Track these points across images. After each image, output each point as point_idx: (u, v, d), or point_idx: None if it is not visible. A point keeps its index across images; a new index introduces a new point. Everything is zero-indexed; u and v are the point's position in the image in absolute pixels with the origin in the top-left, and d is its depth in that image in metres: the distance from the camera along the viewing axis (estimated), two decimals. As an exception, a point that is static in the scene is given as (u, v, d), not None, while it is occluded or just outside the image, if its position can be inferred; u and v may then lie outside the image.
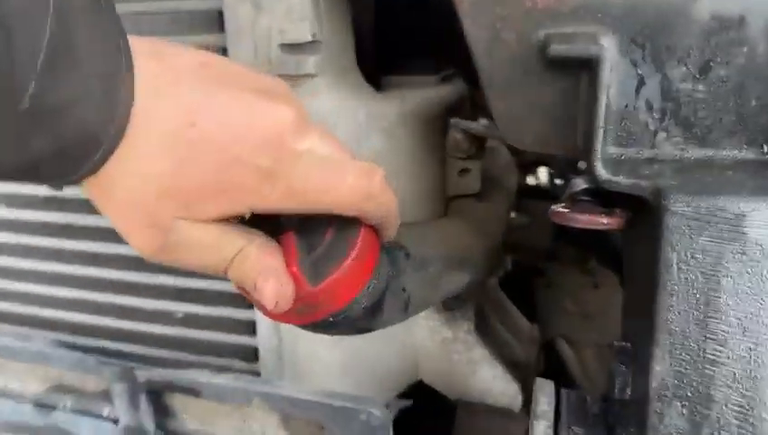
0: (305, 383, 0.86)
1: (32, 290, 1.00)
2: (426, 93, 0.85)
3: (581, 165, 0.67)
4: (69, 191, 0.92)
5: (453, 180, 0.90)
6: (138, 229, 0.40)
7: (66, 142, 0.34)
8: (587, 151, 0.58)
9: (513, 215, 1.71)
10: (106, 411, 0.87)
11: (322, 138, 0.46)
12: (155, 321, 0.94)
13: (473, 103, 1.11)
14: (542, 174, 1.58)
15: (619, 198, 0.58)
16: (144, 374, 0.80)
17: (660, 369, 0.52)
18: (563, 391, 0.66)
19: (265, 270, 0.44)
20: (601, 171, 0.56)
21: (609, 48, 0.54)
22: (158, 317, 0.93)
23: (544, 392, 0.64)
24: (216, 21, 0.77)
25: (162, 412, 0.84)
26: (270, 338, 0.86)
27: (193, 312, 0.91)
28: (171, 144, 0.38)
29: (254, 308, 0.87)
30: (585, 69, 0.56)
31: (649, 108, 0.56)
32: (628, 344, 0.62)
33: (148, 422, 0.83)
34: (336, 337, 0.85)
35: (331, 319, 0.50)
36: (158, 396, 0.83)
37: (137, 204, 0.39)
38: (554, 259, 1.41)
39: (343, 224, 0.47)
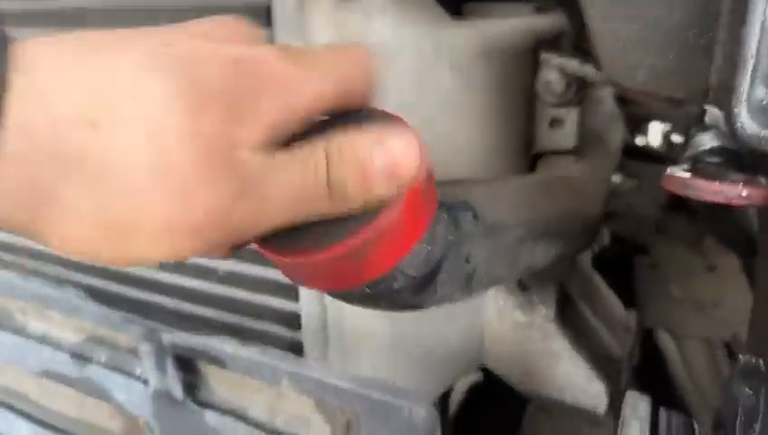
0: (350, 360, 0.75)
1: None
2: (513, 23, 0.69)
3: (711, 115, 0.49)
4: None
5: (542, 133, 0.74)
6: (197, 187, 0.30)
7: None
8: (724, 93, 0.40)
9: (616, 179, 1.50)
10: (138, 371, 0.80)
11: None
12: (196, 276, 0.86)
13: (575, 47, 0.93)
14: (655, 131, 1.35)
15: (764, 161, 0.41)
16: (169, 338, 0.72)
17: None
18: (663, 413, 0.50)
19: (373, 136, 0.33)
20: (745, 122, 0.39)
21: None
22: (199, 272, 0.85)
23: (637, 412, 0.49)
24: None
25: (192, 379, 0.76)
26: (313, 304, 0.76)
27: (235, 270, 0.82)
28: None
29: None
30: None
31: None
32: (760, 361, 0.46)
33: (177, 388, 0.75)
34: (389, 310, 0.74)
35: (367, 290, 0.38)
36: (187, 361, 0.75)
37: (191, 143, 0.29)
38: (662, 233, 1.21)
39: None
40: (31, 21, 0.84)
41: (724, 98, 0.40)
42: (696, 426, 0.50)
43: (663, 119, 1.11)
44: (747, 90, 0.38)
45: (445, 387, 0.77)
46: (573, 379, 0.75)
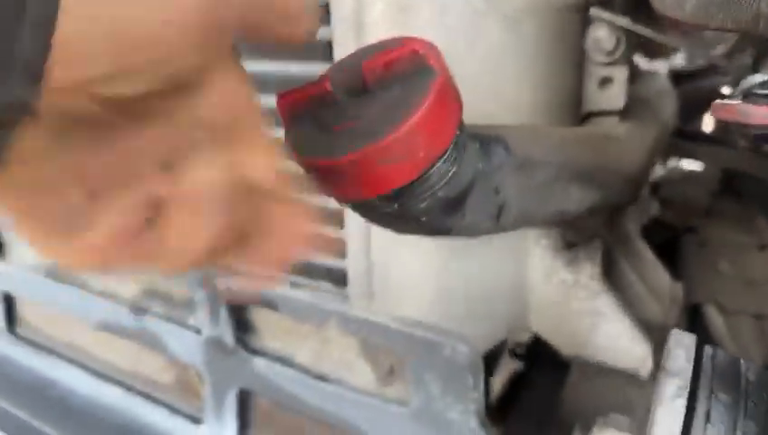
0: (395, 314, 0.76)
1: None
2: (562, -17, 0.70)
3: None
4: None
5: (591, 93, 0.74)
6: None
7: None
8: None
9: (667, 165, 1.48)
10: (191, 321, 0.84)
11: None
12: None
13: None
14: (709, 117, 1.34)
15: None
16: (224, 282, 0.75)
17: None
18: (708, 348, 0.50)
19: None
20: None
21: None
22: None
23: (682, 345, 0.49)
24: None
25: (243, 327, 0.79)
26: (360, 261, 0.78)
27: (285, 227, 0.84)
28: None
29: (346, 228, 0.79)
30: None
31: None
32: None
33: (229, 336, 0.78)
34: (434, 264, 0.75)
35: (396, 206, 0.39)
36: (239, 310, 0.78)
37: None
38: (712, 217, 1.19)
39: None
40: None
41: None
42: (742, 363, 0.49)
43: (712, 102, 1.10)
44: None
45: (489, 345, 0.78)
46: (617, 339, 0.75)
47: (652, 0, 0.47)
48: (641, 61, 1.38)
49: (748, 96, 0.48)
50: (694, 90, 1.31)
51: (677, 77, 1.44)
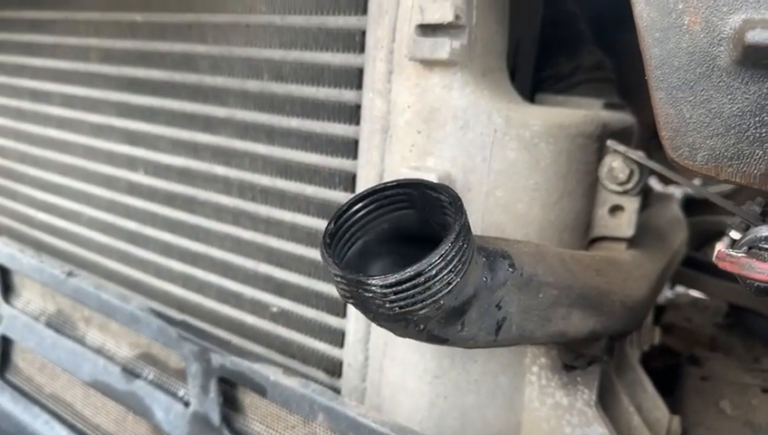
0: (384, 413, 0.75)
1: (144, 256, 1.01)
2: (581, 112, 0.73)
3: None
4: (199, 165, 0.91)
5: (600, 218, 0.76)
6: None
7: None
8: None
9: (675, 290, 1.48)
10: (181, 392, 0.83)
11: None
12: (249, 311, 0.89)
13: (643, 146, 0.96)
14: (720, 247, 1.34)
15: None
16: (219, 359, 0.75)
17: None
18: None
19: None
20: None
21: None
22: (254, 307, 0.89)
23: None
24: (362, 2, 0.73)
25: (230, 406, 0.78)
26: (356, 353, 0.78)
27: (287, 308, 0.85)
28: None
29: (347, 317, 0.80)
30: (796, 65, 0.42)
31: None
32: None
33: (215, 413, 0.77)
34: (431, 369, 0.74)
35: (398, 310, 0.40)
36: (229, 387, 0.78)
37: None
38: (717, 350, 1.18)
39: None
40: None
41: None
42: None
43: (719, 233, 1.11)
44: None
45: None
46: (609, 471, 0.73)
47: (665, 147, 0.50)
48: (656, 185, 1.41)
49: (752, 249, 0.49)
50: (705, 220, 1.33)
51: (691, 203, 1.46)
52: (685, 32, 0.46)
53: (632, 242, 0.77)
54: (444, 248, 0.42)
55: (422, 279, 0.42)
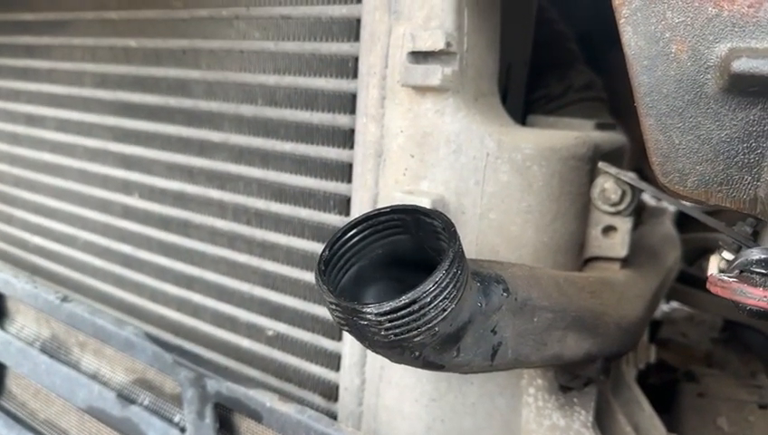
0: (382, 437, 0.75)
1: (139, 280, 1.01)
2: (572, 134, 0.74)
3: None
4: (194, 189, 0.92)
5: (594, 239, 0.76)
6: None
7: None
8: (771, 207, 0.43)
9: (671, 305, 1.48)
10: (177, 418, 0.83)
11: None
12: (245, 334, 0.89)
13: (636, 163, 0.97)
14: (712, 265, 1.35)
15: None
16: (215, 385, 0.74)
17: None
18: None
19: None
20: (790, 232, 0.42)
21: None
22: (250, 331, 0.89)
23: None
24: (354, 29, 0.73)
25: (226, 432, 0.78)
26: (353, 377, 0.77)
27: (283, 332, 0.85)
28: None
29: (343, 341, 0.79)
30: (781, 93, 0.43)
31: None
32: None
33: (211, 440, 0.77)
34: (428, 392, 0.74)
35: (393, 337, 0.40)
36: (225, 413, 0.77)
37: None
38: (713, 366, 1.18)
39: None
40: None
41: (771, 210, 0.43)
42: None
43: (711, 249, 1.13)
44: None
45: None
46: (607, 493, 0.72)
47: (656, 172, 0.50)
48: (649, 199, 1.41)
49: (744, 273, 0.49)
50: (699, 236, 1.34)
51: (685, 218, 1.47)
52: (672, 60, 0.47)
53: (626, 261, 0.78)
54: (438, 275, 0.42)
55: (417, 307, 0.42)
